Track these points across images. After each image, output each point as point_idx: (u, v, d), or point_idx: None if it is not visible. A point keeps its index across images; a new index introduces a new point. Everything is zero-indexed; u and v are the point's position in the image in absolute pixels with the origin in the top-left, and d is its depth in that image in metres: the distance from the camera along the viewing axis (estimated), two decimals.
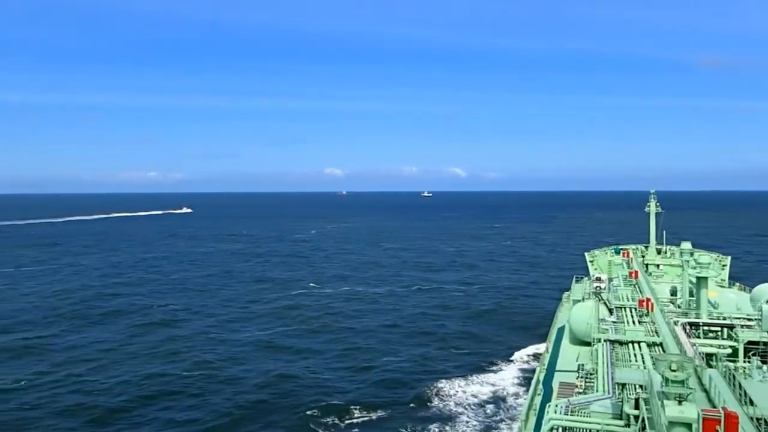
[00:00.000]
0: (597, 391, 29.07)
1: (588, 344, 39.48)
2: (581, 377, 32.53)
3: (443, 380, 56.83)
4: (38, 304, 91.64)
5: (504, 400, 52.82)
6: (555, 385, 33.74)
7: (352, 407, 50.47)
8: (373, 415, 49.42)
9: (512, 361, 63.92)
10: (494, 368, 61.33)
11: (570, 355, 41.04)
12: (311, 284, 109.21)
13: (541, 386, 36.17)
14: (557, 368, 38.63)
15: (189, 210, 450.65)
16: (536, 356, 63.46)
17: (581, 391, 30.59)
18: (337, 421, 48.19)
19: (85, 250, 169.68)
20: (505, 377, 58.91)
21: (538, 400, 33.74)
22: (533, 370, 55.97)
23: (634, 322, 40.85)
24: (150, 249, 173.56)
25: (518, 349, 67.12)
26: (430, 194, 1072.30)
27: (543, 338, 68.03)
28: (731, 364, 31.70)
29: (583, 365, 34.26)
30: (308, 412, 49.50)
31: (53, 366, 61.32)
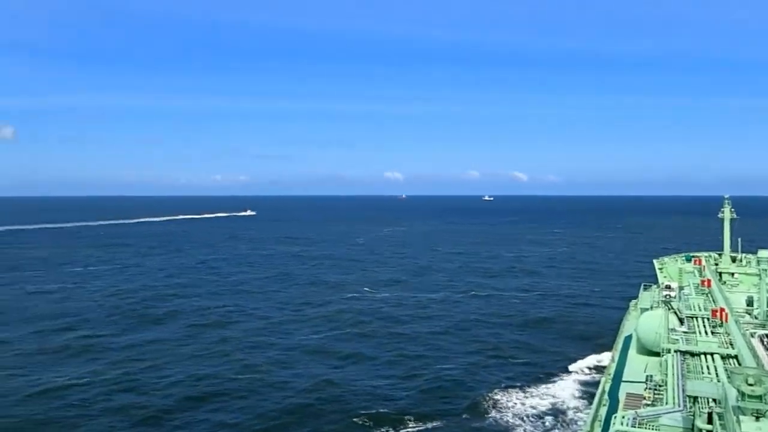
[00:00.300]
0: (666, 403, 27.59)
1: (657, 354, 37.39)
2: (649, 388, 30.76)
3: (498, 390, 54.72)
4: (101, 302, 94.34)
5: (564, 413, 50.33)
6: (621, 396, 32.25)
7: (403, 416, 49.07)
8: (428, 425, 47.89)
9: (572, 372, 60.92)
10: (553, 379, 58.56)
11: (637, 365, 38.86)
12: (365, 288, 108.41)
13: (606, 396, 34.32)
14: (624, 378, 36.82)
15: (252, 213, 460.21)
16: (598, 368, 60.64)
17: (649, 403, 29.03)
18: (390, 430, 46.87)
19: (150, 251, 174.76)
20: (565, 388, 56.14)
21: (603, 410, 32.16)
22: (595, 383, 53.16)
23: (706, 333, 38.20)
24: (212, 251, 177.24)
25: (578, 359, 63.98)
26: (491, 198, 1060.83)
27: (605, 348, 64.85)
28: None
29: (651, 376, 32.34)
30: (357, 420, 48.45)
31: (110, 364, 62.52)
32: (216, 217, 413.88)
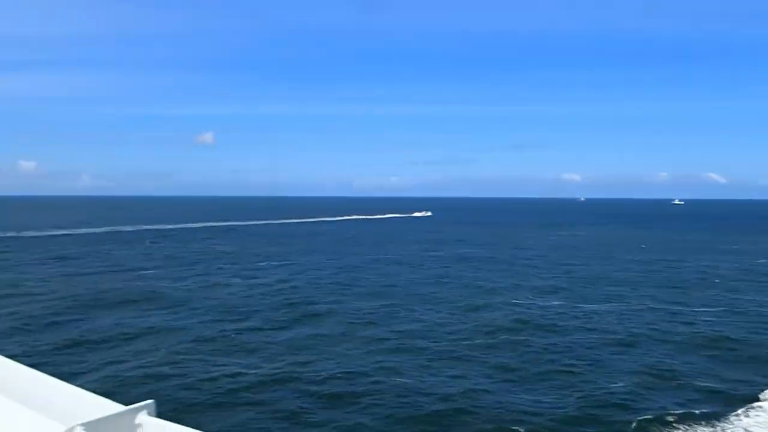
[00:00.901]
0: None
1: None
2: None
3: (673, 419, 47.36)
4: (269, 296, 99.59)
5: None
6: None
7: None
8: None
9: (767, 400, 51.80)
10: (744, 410, 49.46)
11: None
12: (527, 295, 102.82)
13: None
14: None
15: (428, 214, 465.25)
16: None
17: None
18: None
19: (322, 249, 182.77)
20: (762, 422, 47.52)
21: None
22: None
23: None
24: (380, 250, 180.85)
25: None
26: (682, 202, 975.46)
27: None
28: None
29: None
30: None
31: (266, 357, 64.96)
32: (390, 217, 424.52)
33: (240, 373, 59.37)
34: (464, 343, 71.14)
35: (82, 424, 3.45)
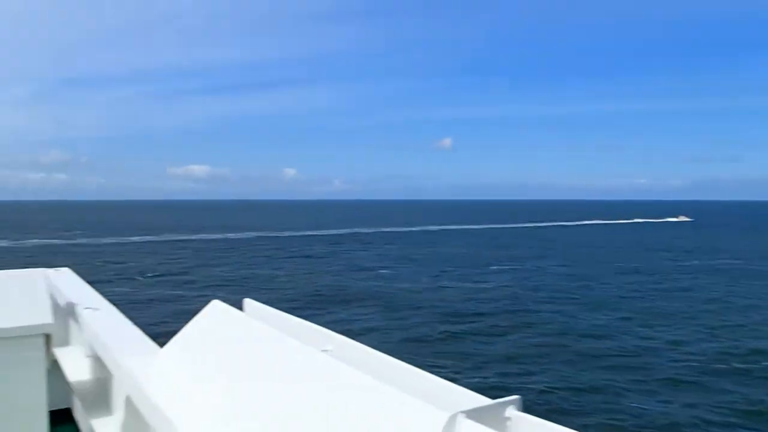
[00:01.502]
0: None
1: None
2: None
3: None
4: (488, 302, 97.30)
5: None
6: None
7: None
8: None
9: None
10: None
11: None
12: None
13: None
14: None
15: (686, 219, 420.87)
16: None
17: None
18: None
19: (555, 254, 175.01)
20: None
21: None
22: None
23: None
24: (619, 258, 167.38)
25: None
26: None
27: None
28: None
29: None
30: None
31: (475, 367, 62.60)
32: (636, 222, 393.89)
33: (452, 380, 58.75)
34: (706, 367, 61.53)
35: (463, 412, 3.62)
